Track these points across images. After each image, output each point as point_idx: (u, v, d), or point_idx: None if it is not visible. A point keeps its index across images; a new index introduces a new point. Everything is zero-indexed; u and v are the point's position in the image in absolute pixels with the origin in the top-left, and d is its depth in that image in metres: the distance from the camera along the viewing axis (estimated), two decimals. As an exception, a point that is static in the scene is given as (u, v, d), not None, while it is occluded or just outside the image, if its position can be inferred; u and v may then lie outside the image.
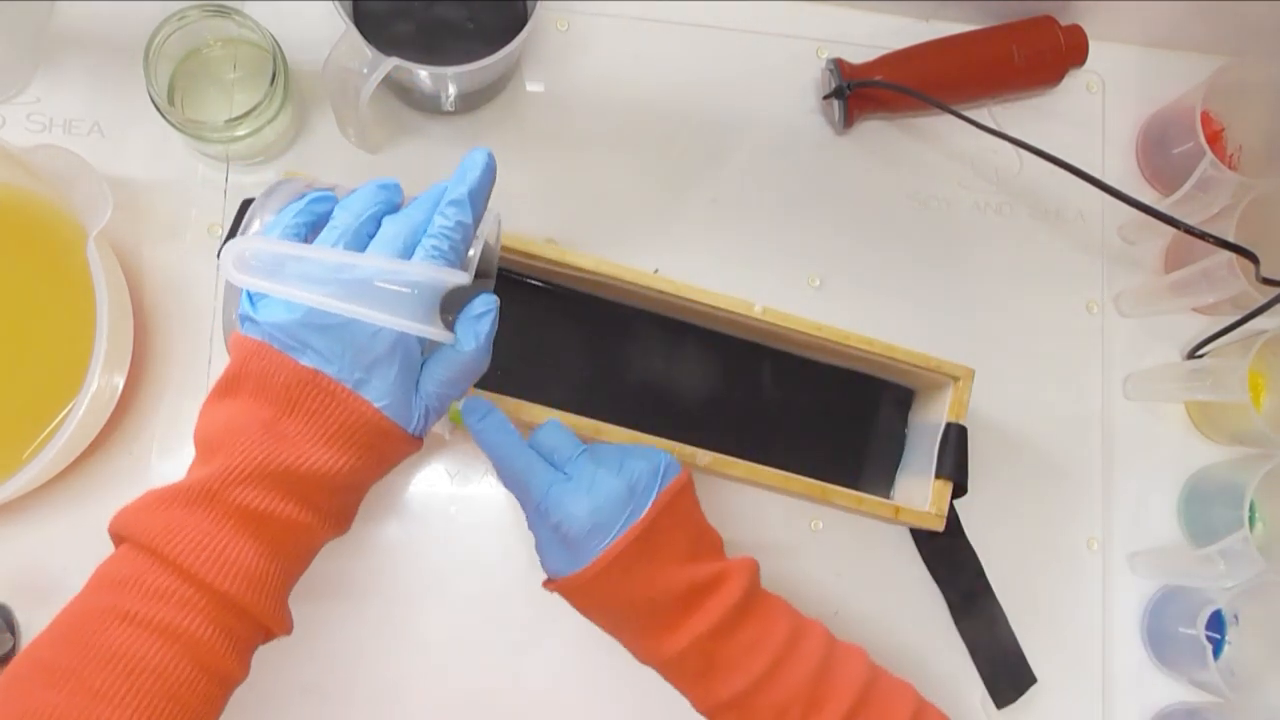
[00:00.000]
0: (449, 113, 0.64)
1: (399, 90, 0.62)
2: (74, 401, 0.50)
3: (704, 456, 0.56)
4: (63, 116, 0.60)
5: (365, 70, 0.52)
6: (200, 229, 0.60)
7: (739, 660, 0.47)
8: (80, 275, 0.51)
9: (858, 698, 0.47)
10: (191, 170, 0.61)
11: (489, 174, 0.45)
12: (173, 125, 0.55)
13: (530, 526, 0.49)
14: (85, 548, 0.56)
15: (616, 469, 0.47)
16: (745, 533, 0.62)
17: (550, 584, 0.49)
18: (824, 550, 0.63)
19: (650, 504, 0.46)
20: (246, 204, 0.51)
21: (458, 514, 0.60)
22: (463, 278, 0.43)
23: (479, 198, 0.45)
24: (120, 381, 0.55)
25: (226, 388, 0.43)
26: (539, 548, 0.49)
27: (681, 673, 0.48)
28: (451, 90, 0.60)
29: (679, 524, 0.48)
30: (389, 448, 0.44)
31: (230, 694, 0.42)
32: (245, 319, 0.43)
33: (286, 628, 0.43)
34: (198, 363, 0.59)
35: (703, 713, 0.49)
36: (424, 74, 0.55)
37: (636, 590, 0.46)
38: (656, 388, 0.61)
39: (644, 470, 0.47)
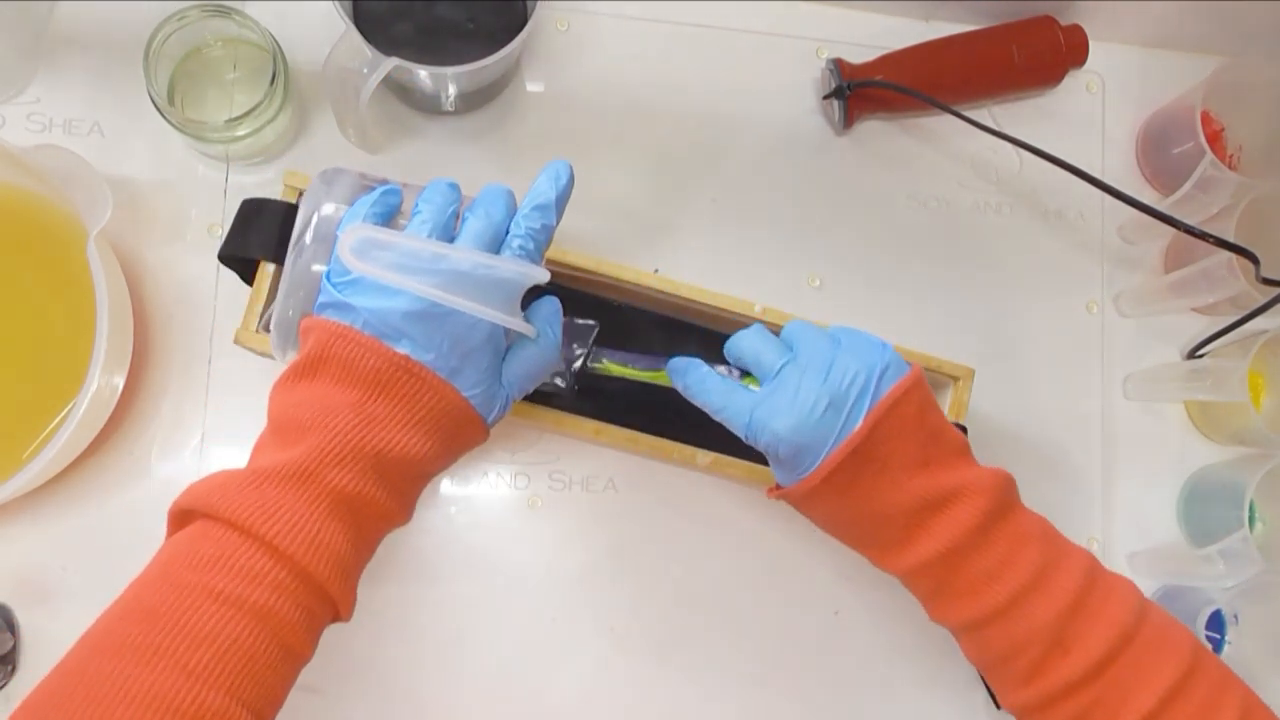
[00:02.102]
0: (449, 113, 0.64)
1: (399, 90, 0.62)
2: (74, 401, 0.50)
3: (704, 457, 0.56)
4: (63, 116, 0.60)
5: (365, 70, 0.53)
6: (200, 229, 0.60)
7: (974, 587, 0.44)
8: (80, 275, 0.51)
9: (1113, 646, 0.42)
10: (191, 170, 0.61)
11: (572, 183, 0.47)
12: (173, 125, 0.56)
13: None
14: (85, 548, 0.57)
15: (823, 376, 0.44)
16: (747, 532, 0.62)
17: (773, 492, 0.48)
18: (826, 549, 0.63)
19: (864, 415, 0.43)
20: (247, 204, 0.51)
21: (458, 514, 0.60)
22: (545, 275, 0.45)
23: (562, 204, 0.47)
24: (120, 381, 0.55)
25: (305, 370, 0.43)
26: (771, 464, 0.48)
27: (914, 586, 0.47)
28: (451, 90, 0.60)
29: (905, 431, 0.44)
30: (468, 436, 0.46)
31: (298, 675, 0.42)
32: (330, 305, 0.43)
33: (351, 613, 0.43)
34: (198, 363, 0.59)
35: (935, 621, 0.48)
36: (424, 74, 0.55)
37: (859, 505, 0.44)
38: (657, 388, 0.61)
39: (856, 374, 0.44)
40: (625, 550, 0.61)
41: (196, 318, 0.60)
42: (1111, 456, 0.67)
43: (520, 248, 0.45)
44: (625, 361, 0.54)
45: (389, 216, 0.46)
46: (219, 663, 0.37)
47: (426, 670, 0.58)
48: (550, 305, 0.49)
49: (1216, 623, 0.63)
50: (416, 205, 0.45)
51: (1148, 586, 0.66)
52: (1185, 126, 0.66)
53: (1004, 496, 0.45)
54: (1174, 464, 0.68)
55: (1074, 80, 0.71)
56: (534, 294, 0.48)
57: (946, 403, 0.59)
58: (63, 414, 0.54)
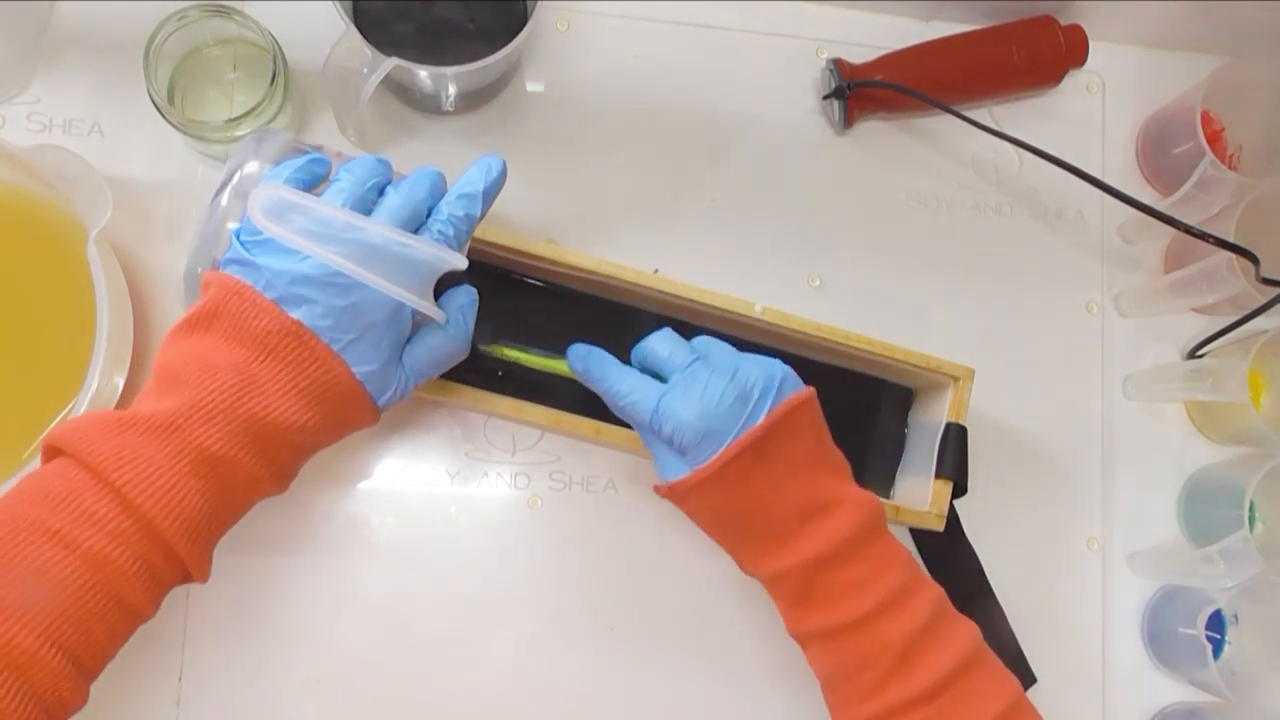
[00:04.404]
0: (449, 113, 0.64)
1: (399, 90, 0.62)
2: (74, 401, 0.50)
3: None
4: (63, 116, 0.60)
5: (365, 70, 0.53)
6: (200, 229, 0.60)
7: (842, 595, 0.45)
8: (80, 275, 0.51)
9: (953, 670, 0.44)
10: (191, 170, 0.61)
11: (503, 179, 0.48)
12: (173, 125, 0.56)
13: (647, 444, 0.49)
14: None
15: (730, 375, 0.45)
16: (745, 533, 0.62)
17: (661, 487, 0.48)
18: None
19: (766, 412, 0.45)
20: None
21: (458, 514, 0.60)
22: (462, 263, 0.45)
23: (489, 197, 0.47)
24: (120, 381, 0.55)
25: (197, 322, 0.42)
26: (656, 461, 0.48)
27: (779, 591, 0.47)
28: (451, 90, 0.60)
29: (798, 437, 0.46)
30: (354, 414, 0.45)
31: (134, 631, 0.40)
32: (234, 262, 0.42)
33: (205, 576, 0.42)
34: (198, 363, 0.59)
35: (792, 635, 0.49)
36: (424, 74, 0.55)
37: (749, 498, 0.45)
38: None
39: (758, 378, 0.46)
40: (625, 550, 0.61)
41: (196, 318, 0.60)
42: (1111, 456, 0.67)
43: (440, 232, 0.45)
44: (522, 348, 0.53)
45: (312, 185, 0.45)
46: (38, 602, 0.36)
47: (425, 669, 0.58)
48: (466, 295, 0.48)
49: (1216, 623, 0.63)
50: (337, 174, 0.45)
51: (1148, 586, 0.66)
52: (1185, 126, 0.66)
53: (877, 517, 0.47)
54: (1174, 464, 0.68)
55: (1074, 80, 0.71)
56: (454, 283, 0.47)
57: (946, 403, 0.59)
58: (63, 414, 0.54)
